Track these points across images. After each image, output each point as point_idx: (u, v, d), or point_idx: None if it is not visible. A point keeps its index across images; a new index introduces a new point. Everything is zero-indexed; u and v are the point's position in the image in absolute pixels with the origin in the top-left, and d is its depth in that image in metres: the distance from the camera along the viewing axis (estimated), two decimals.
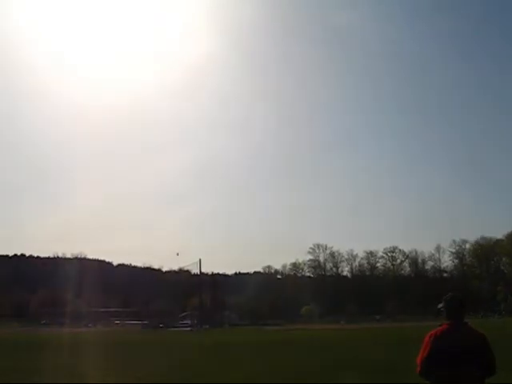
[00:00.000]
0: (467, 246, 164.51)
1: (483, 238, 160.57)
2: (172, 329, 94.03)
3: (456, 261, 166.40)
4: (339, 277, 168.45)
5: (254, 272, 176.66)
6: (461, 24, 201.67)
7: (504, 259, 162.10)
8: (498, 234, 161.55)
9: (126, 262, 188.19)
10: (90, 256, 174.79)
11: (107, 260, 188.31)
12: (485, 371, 5.23)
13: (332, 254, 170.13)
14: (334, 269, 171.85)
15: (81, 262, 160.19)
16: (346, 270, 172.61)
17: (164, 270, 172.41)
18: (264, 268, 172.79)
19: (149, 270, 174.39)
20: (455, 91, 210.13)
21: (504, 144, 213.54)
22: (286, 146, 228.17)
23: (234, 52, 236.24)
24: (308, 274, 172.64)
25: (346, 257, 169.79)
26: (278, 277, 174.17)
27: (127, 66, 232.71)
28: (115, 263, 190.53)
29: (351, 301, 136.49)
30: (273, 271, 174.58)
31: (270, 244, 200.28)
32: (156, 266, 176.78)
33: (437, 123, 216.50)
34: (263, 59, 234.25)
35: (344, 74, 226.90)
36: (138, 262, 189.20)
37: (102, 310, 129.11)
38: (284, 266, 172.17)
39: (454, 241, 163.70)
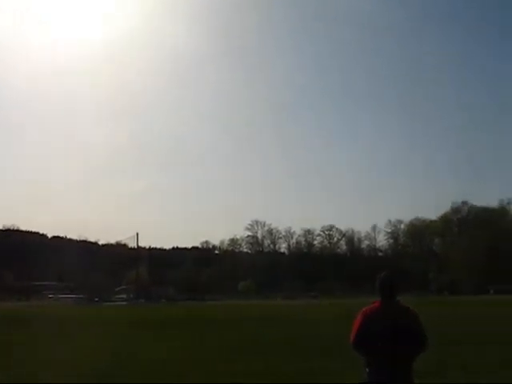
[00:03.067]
0: (402, 226, 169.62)
1: (417, 219, 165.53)
2: (107, 303, 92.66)
3: (391, 240, 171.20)
4: (276, 253, 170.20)
5: (192, 247, 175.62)
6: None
7: (436, 240, 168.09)
8: (432, 215, 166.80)
9: (61, 234, 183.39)
10: (24, 228, 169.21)
11: (41, 232, 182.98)
12: (416, 348, 5.29)
13: (270, 231, 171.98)
14: (272, 245, 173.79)
15: (13, 234, 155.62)
16: (283, 247, 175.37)
17: (100, 243, 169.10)
18: (202, 243, 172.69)
19: (84, 243, 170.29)
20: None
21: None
22: (227, 120, 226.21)
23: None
24: (246, 250, 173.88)
25: (284, 234, 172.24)
26: (216, 252, 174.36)
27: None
28: (49, 235, 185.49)
29: (288, 277, 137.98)
30: (211, 246, 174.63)
31: (208, 219, 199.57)
32: (92, 239, 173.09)
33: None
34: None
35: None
36: (74, 234, 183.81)
37: (36, 283, 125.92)
38: (222, 242, 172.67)
39: (390, 221, 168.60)
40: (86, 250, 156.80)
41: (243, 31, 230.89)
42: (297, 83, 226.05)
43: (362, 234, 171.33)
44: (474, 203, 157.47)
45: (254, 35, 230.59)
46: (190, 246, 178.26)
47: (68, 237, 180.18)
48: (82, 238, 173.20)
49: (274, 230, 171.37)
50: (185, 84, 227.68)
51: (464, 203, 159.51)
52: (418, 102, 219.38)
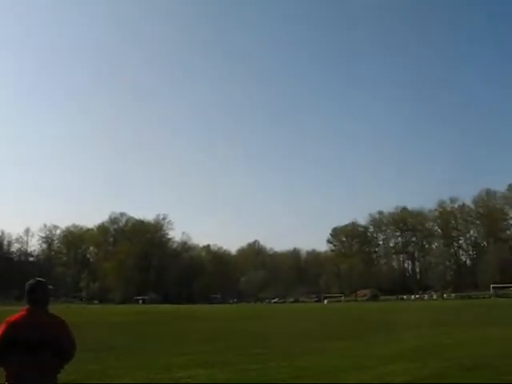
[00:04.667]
0: (58, 231, 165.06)
1: (75, 226, 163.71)
2: None
3: (44, 245, 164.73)
4: None
5: None
6: None
7: (91, 248, 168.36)
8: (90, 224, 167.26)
9: None
10: None
11: None
12: (64, 358, 5.16)
13: None
14: None
15: None
16: None
17: None
18: None
19: None
20: None
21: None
22: None
23: None
24: None
25: None
26: None
27: None
28: None
29: None
30: None
31: None
32: None
33: None
34: None
35: None
36: None
37: None
38: None
39: (45, 225, 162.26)
40: None
41: None
42: None
43: (14, 237, 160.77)
44: (132, 215, 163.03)
45: None
46: None
47: None
48: None
49: None
50: None
51: (122, 214, 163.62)
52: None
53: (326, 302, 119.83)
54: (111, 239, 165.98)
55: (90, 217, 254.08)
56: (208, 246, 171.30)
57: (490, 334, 21.86)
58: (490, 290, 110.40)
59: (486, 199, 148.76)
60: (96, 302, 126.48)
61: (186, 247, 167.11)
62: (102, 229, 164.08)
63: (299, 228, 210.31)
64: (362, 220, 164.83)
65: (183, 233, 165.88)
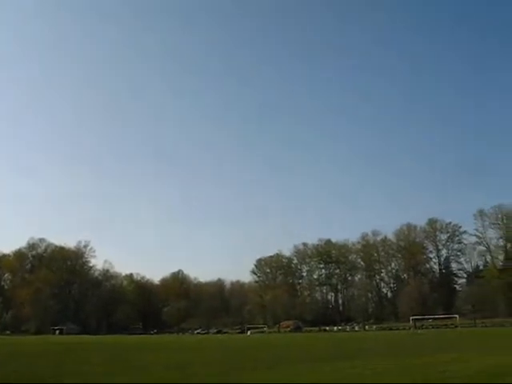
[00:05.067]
0: None
1: None
2: None
3: None
4: None
5: None
6: None
7: (7, 275, 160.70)
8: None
9: None
10: None
11: None
12: None
13: None
14: None
15: None
16: None
17: None
18: None
19: None
20: None
21: None
22: None
23: None
24: None
25: None
26: None
27: None
28: None
29: None
30: None
31: None
32: None
33: None
34: None
35: None
36: None
37: None
38: None
39: None
40: None
41: None
42: None
43: None
44: (52, 241, 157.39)
45: None
46: None
47: None
48: None
49: None
50: None
51: (42, 240, 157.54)
52: None
53: (249, 333, 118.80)
54: (28, 266, 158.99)
55: (7, 242, 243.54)
56: (131, 274, 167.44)
57: (409, 363, 21.79)
58: (409, 322, 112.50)
59: (407, 233, 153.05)
60: (8, 332, 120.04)
61: (107, 275, 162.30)
62: (19, 254, 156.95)
63: (224, 258, 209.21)
64: (287, 251, 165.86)
65: (105, 261, 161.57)
